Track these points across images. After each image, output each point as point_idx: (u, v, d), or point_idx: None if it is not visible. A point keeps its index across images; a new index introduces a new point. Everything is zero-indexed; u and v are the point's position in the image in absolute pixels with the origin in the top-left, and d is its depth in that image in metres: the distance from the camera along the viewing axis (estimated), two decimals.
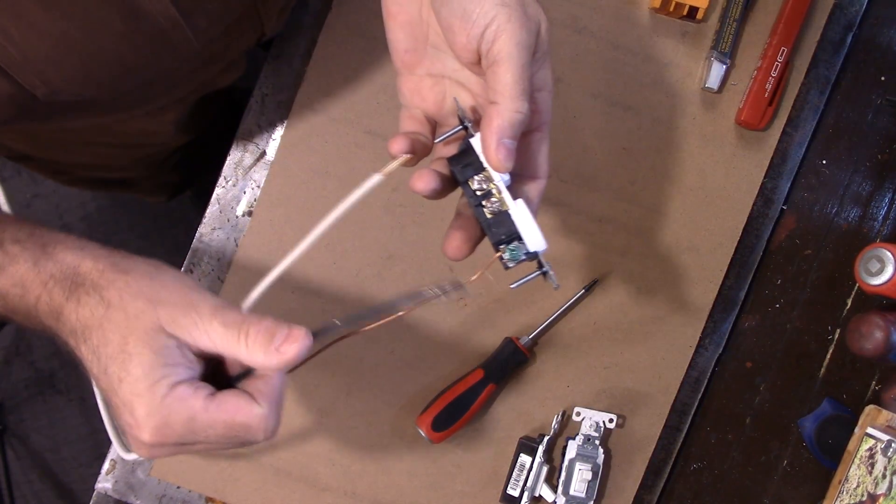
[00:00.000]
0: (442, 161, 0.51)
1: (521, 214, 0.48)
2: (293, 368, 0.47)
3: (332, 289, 0.73)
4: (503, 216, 0.48)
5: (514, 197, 0.48)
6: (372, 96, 0.73)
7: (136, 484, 0.73)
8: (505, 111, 0.45)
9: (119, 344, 0.44)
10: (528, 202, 0.49)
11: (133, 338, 0.44)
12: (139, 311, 0.44)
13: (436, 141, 0.50)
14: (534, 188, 0.51)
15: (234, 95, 1.01)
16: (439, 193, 0.50)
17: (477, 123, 0.49)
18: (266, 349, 0.45)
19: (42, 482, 1.57)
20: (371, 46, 0.73)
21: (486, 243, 0.50)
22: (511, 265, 0.49)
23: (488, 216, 0.48)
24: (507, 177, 0.48)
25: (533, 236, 0.48)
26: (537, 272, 0.50)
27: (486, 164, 0.48)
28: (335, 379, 0.74)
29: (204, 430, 0.44)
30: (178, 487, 0.74)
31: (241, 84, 0.81)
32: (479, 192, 0.48)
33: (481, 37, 0.45)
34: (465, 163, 0.48)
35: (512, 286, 0.51)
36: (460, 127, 0.49)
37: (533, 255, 0.49)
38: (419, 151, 0.49)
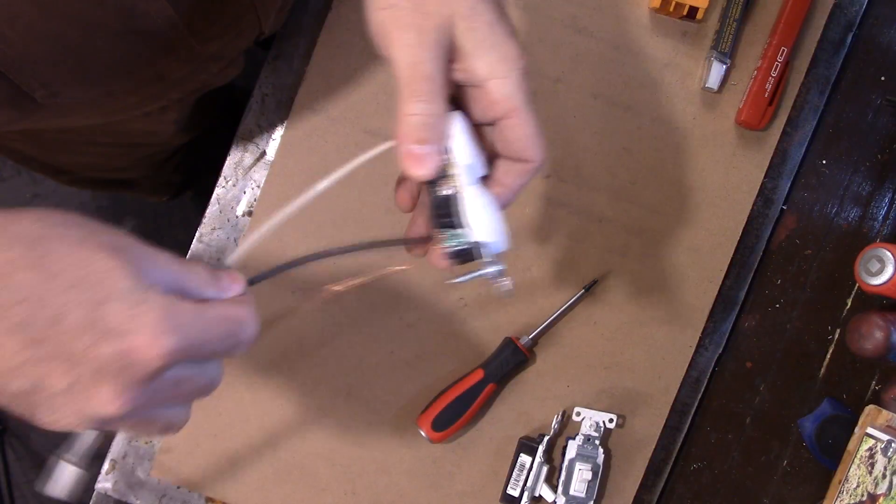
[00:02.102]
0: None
1: (472, 199, 0.43)
2: None
3: (320, 284, 0.73)
4: (452, 199, 0.44)
5: (486, 184, 0.44)
6: (372, 96, 0.73)
7: (136, 484, 0.73)
8: (400, 116, 0.43)
9: (76, 265, 0.35)
10: (504, 185, 0.46)
11: (97, 256, 0.35)
12: (85, 235, 0.36)
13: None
14: (515, 170, 0.47)
15: (234, 95, 1.01)
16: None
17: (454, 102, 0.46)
18: (216, 286, 0.41)
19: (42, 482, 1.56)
20: (371, 46, 0.73)
21: None
22: (450, 253, 0.44)
23: (436, 196, 0.44)
24: (471, 161, 0.44)
25: (480, 225, 0.43)
26: (481, 270, 0.45)
27: (448, 145, 0.44)
28: (335, 379, 0.74)
29: (210, 326, 0.38)
30: (178, 487, 0.74)
31: (241, 84, 0.81)
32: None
33: (379, 46, 0.44)
34: None
35: (449, 282, 0.47)
36: None
37: (478, 249, 0.44)
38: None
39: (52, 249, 0.35)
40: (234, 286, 0.42)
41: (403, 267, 0.48)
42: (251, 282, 0.44)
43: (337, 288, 0.48)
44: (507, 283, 0.45)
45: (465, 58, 0.44)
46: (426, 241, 0.47)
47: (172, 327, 0.36)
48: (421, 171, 0.43)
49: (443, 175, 0.44)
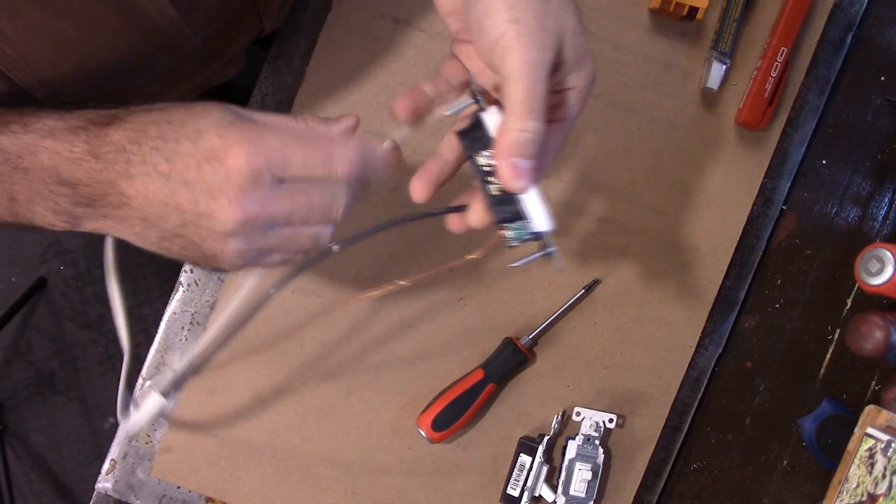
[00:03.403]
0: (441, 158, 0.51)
1: (528, 193, 0.46)
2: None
3: (332, 289, 0.73)
4: (509, 194, 0.47)
5: None
6: (372, 96, 0.73)
7: (136, 484, 0.74)
8: (511, 130, 0.45)
9: (187, 114, 0.44)
10: None
11: (201, 106, 0.44)
12: (201, 106, 0.45)
13: (446, 113, 0.50)
14: None
15: (234, 95, 1.01)
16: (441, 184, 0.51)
17: (489, 97, 0.49)
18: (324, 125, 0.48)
19: (42, 482, 1.57)
20: (371, 46, 0.73)
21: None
22: (514, 244, 0.48)
23: (494, 193, 0.47)
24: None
25: (539, 216, 0.47)
26: (540, 252, 0.49)
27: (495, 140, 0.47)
28: (335, 379, 0.74)
29: (293, 139, 0.44)
30: (178, 487, 0.74)
31: (241, 84, 0.81)
32: (486, 168, 0.47)
33: (492, 52, 0.45)
34: (474, 137, 0.48)
35: (511, 265, 0.50)
36: (471, 101, 0.49)
37: (538, 236, 0.47)
38: (424, 111, 0.49)
39: (172, 107, 0.45)
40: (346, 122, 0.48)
41: (438, 270, 0.51)
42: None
43: (366, 296, 0.50)
44: (559, 258, 0.49)
45: (563, 69, 0.47)
46: (462, 209, 0.50)
47: (254, 141, 0.43)
48: (521, 183, 0.45)
49: (494, 169, 0.47)
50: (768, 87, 0.73)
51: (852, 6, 0.75)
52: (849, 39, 0.75)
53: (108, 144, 0.44)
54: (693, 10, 0.71)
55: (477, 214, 0.49)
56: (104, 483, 0.74)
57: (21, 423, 1.57)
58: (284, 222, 0.45)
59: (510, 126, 0.45)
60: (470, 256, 0.50)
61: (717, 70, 0.73)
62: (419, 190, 0.51)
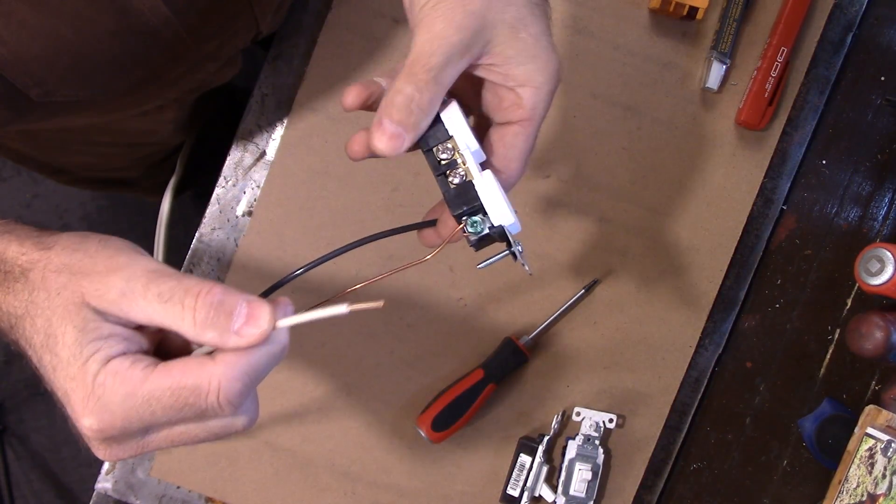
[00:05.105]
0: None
1: (486, 185, 0.45)
2: None
3: (332, 288, 0.73)
4: (467, 187, 0.45)
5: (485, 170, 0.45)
6: None
7: (136, 484, 0.74)
8: (390, 88, 0.43)
9: (45, 328, 0.38)
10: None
11: (56, 317, 0.38)
12: (60, 287, 0.38)
13: None
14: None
15: (233, 95, 1.01)
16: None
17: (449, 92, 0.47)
18: (220, 329, 0.38)
19: (42, 482, 1.56)
20: (371, 46, 0.73)
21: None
22: (473, 240, 0.45)
23: (451, 187, 0.45)
24: (476, 147, 0.46)
25: (498, 209, 0.44)
26: (506, 251, 0.46)
27: (451, 133, 0.45)
28: (335, 379, 0.74)
29: (147, 405, 0.37)
30: (178, 487, 0.74)
31: (241, 84, 0.81)
32: (442, 162, 0.45)
33: (415, 28, 0.44)
34: (429, 131, 0.46)
35: (479, 266, 0.48)
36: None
37: (498, 230, 0.45)
38: (378, 98, 0.47)
39: (33, 317, 0.39)
40: (248, 329, 0.38)
41: (425, 259, 0.48)
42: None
43: (354, 289, 0.48)
44: (523, 257, 0.46)
45: (506, 62, 0.45)
46: (433, 224, 0.48)
47: (92, 412, 0.37)
48: (383, 145, 0.43)
49: (452, 163, 0.45)
50: (768, 87, 0.73)
51: (852, 6, 0.75)
52: (849, 39, 0.75)
53: (6, 304, 0.40)
54: (693, 10, 0.71)
55: (450, 226, 0.47)
56: (104, 483, 0.74)
57: (21, 423, 1.57)
58: (167, 437, 0.40)
59: (391, 85, 0.43)
60: (424, 258, 0.47)
61: (717, 70, 0.73)
62: (357, 144, 0.46)
